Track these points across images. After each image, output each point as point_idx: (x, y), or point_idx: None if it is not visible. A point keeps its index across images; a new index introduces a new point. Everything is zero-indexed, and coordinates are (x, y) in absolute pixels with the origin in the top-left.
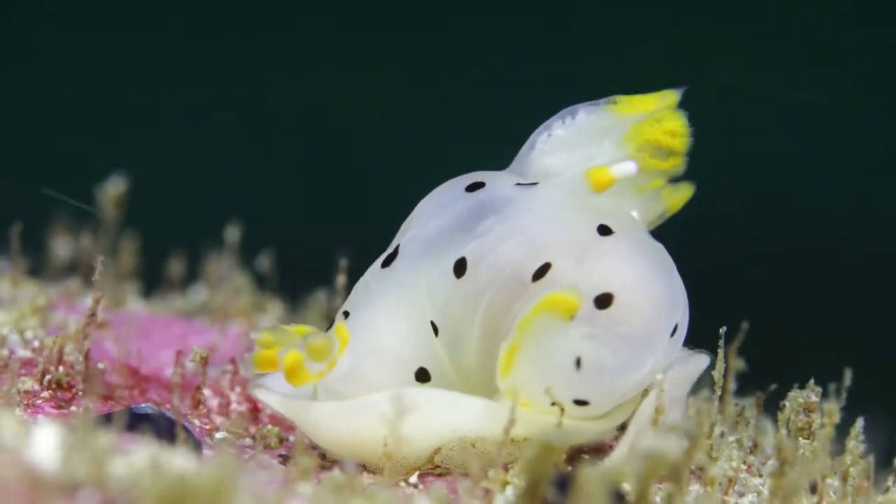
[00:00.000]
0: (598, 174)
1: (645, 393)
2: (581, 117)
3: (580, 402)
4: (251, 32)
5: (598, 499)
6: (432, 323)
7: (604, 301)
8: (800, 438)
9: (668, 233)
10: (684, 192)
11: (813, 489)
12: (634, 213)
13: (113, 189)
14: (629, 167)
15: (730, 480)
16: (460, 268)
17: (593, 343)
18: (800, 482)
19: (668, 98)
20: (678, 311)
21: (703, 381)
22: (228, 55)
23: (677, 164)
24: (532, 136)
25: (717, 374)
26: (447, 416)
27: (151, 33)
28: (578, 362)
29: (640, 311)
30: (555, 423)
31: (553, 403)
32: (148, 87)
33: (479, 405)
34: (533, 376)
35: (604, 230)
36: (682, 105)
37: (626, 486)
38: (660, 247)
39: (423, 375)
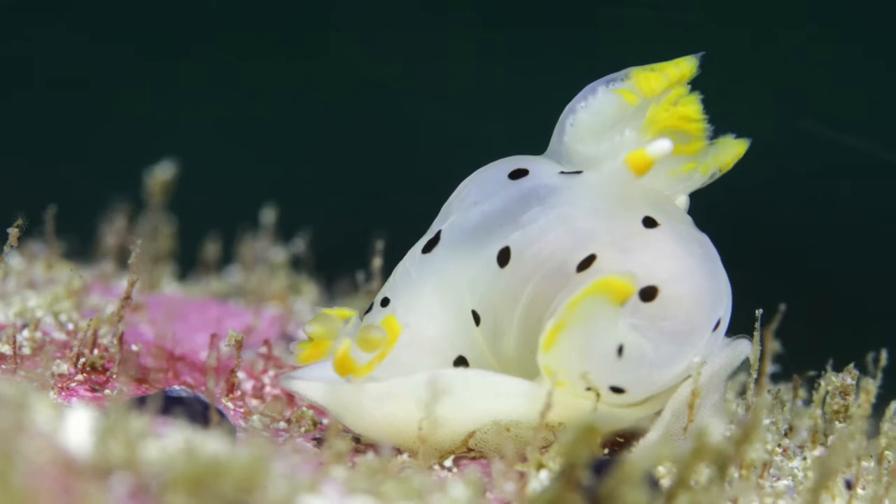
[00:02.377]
0: (637, 158)
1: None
2: (600, 98)
3: (616, 390)
4: (286, 20)
5: (635, 483)
6: (473, 312)
7: (648, 294)
8: (836, 422)
9: (704, 214)
10: (737, 149)
11: (848, 485)
12: (682, 198)
13: (161, 174)
14: (664, 145)
15: (765, 464)
16: (504, 257)
17: (636, 335)
18: (836, 464)
19: (684, 68)
20: (721, 305)
21: (741, 364)
22: (264, 42)
23: (700, 147)
24: (561, 119)
25: (752, 357)
26: (483, 399)
27: (187, 26)
28: (621, 350)
29: (684, 306)
30: (590, 408)
31: (589, 388)
32: (185, 74)
33: (516, 387)
34: (574, 357)
35: (649, 222)
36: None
37: (661, 470)
38: (704, 238)
39: (461, 364)
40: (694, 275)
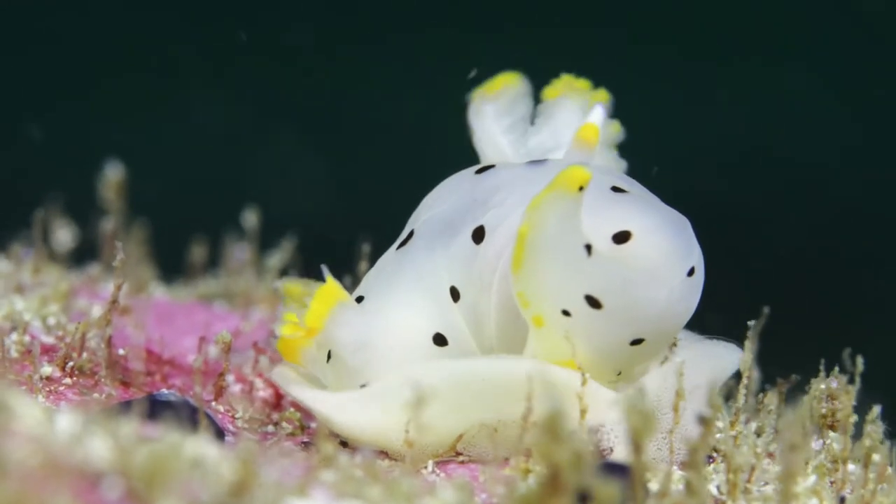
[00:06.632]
0: (584, 132)
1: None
2: (489, 107)
3: (593, 302)
4: (273, 17)
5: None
6: (453, 288)
7: (622, 237)
8: (824, 427)
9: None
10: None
11: (842, 501)
12: None
13: (112, 175)
14: (599, 111)
15: (752, 468)
16: (479, 235)
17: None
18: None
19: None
20: (693, 255)
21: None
22: (248, 40)
23: (606, 94)
24: (481, 142)
25: (742, 364)
26: (469, 394)
27: (169, 15)
28: (590, 249)
29: (657, 248)
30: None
31: (567, 313)
32: (170, 74)
33: (496, 366)
34: (544, 264)
35: (617, 190)
36: None
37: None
38: (672, 209)
39: (440, 340)
40: (666, 227)
